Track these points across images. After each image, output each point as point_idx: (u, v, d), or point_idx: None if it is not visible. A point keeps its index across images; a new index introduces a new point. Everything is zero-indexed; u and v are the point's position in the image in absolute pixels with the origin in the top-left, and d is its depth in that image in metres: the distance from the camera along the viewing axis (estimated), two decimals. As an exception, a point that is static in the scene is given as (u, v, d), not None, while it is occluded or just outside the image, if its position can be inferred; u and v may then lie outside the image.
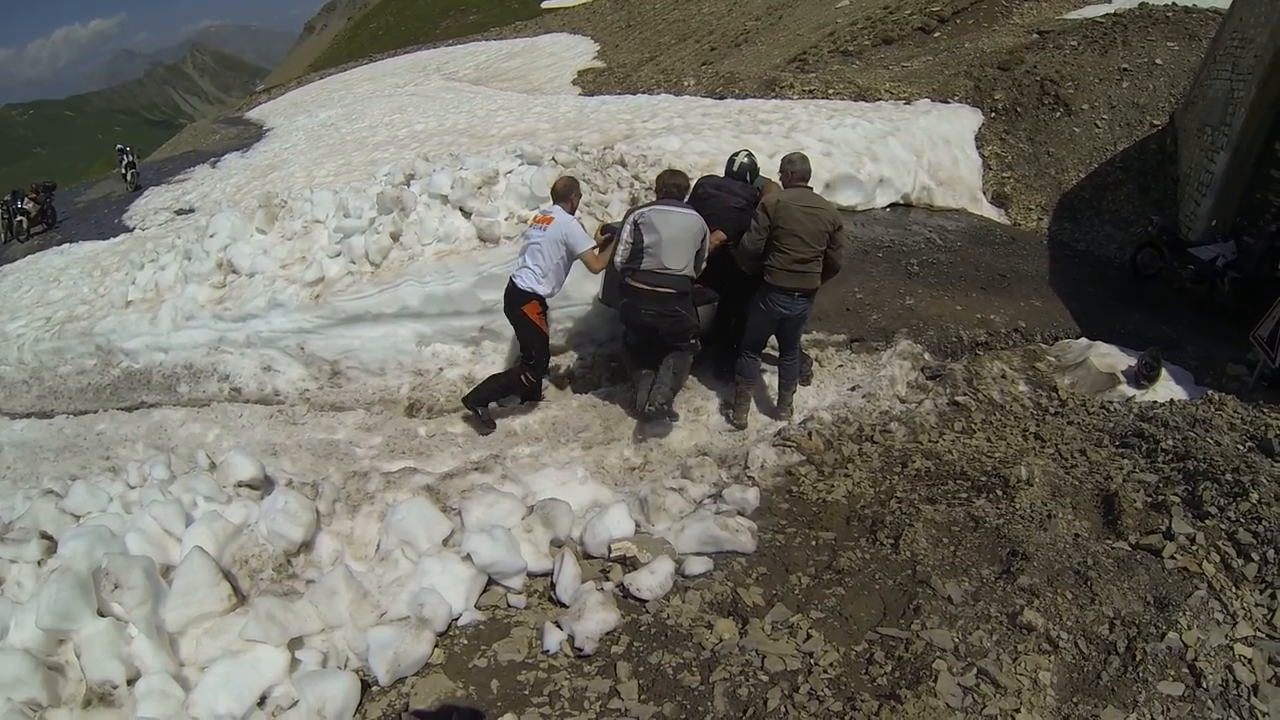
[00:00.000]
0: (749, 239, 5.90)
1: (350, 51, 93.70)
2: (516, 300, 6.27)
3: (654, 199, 6.38)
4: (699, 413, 6.54)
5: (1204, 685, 2.90)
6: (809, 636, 3.47)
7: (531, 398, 6.85)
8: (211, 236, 9.12)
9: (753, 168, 6.91)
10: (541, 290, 6.25)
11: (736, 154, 7.01)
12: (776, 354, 6.54)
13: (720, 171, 7.18)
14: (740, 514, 4.61)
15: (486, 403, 6.66)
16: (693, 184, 6.61)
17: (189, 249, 9.37)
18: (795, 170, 5.99)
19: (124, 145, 25.89)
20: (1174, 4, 14.51)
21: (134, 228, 17.79)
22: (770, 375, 6.64)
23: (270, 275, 8.27)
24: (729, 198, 6.45)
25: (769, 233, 5.78)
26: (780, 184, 6.34)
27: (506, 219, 7.70)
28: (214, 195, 18.64)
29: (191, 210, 18.02)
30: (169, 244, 10.40)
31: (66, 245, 16.72)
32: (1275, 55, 8.57)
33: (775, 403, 6.47)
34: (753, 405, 6.43)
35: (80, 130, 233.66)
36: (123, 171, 24.78)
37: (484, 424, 6.63)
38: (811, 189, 6.06)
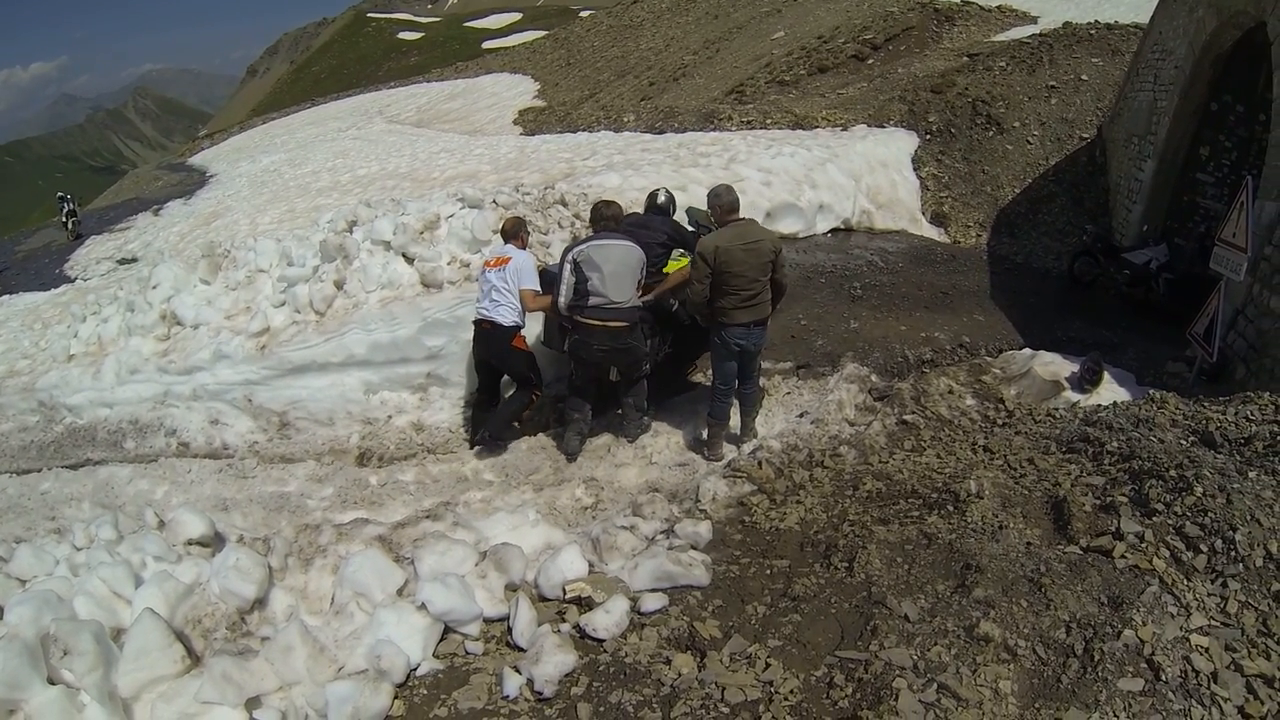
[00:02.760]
0: (694, 291, 5.80)
1: (293, 95, 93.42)
2: (504, 337, 6.34)
3: (591, 232, 6.48)
4: (647, 449, 6.55)
5: (1163, 678, 2.92)
6: (768, 665, 3.46)
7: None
8: (154, 288, 9.00)
9: (672, 203, 7.16)
10: (521, 322, 6.41)
11: (656, 190, 7.24)
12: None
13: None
14: (693, 548, 4.60)
15: (502, 435, 6.74)
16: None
17: (132, 301, 9.23)
18: (723, 204, 5.85)
19: (65, 193, 25.53)
20: (1096, 22, 15.10)
21: (76, 278, 17.56)
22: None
23: (215, 326, 8.17)
24: (651, 234, 6.60)
25: (711, 278, 5.71)
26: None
27: (449, 264, 7.72)
28: (157, 244, 18.44)
29: (134, 260, 17.77)
30: (111, 295, 10.25)
31: (6, 296, 16.41)
32: (1194, 65, 8.93)
33: (738, 430, 6.54)
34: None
35: (20, 177, 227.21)
36: (64, 220, 24.41)
37: (494, 444, 6.71)
38: (745, 219, 5.94)
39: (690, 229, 7.43)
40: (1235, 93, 8.76)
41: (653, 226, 6.72)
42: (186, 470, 7.43)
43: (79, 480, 7.83)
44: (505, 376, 6.86)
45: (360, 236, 8.14)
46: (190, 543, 4.76)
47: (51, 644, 3.51)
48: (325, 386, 7.51)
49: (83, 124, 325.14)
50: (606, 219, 6.27)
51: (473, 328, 6.59)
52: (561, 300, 6.08)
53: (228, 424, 7.75)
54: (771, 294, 6.00)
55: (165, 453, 7.81)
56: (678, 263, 7.10)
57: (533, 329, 7.18)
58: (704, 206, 6.92)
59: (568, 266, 6.02)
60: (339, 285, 7.80)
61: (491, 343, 6.38)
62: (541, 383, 6.69)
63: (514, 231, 6.57)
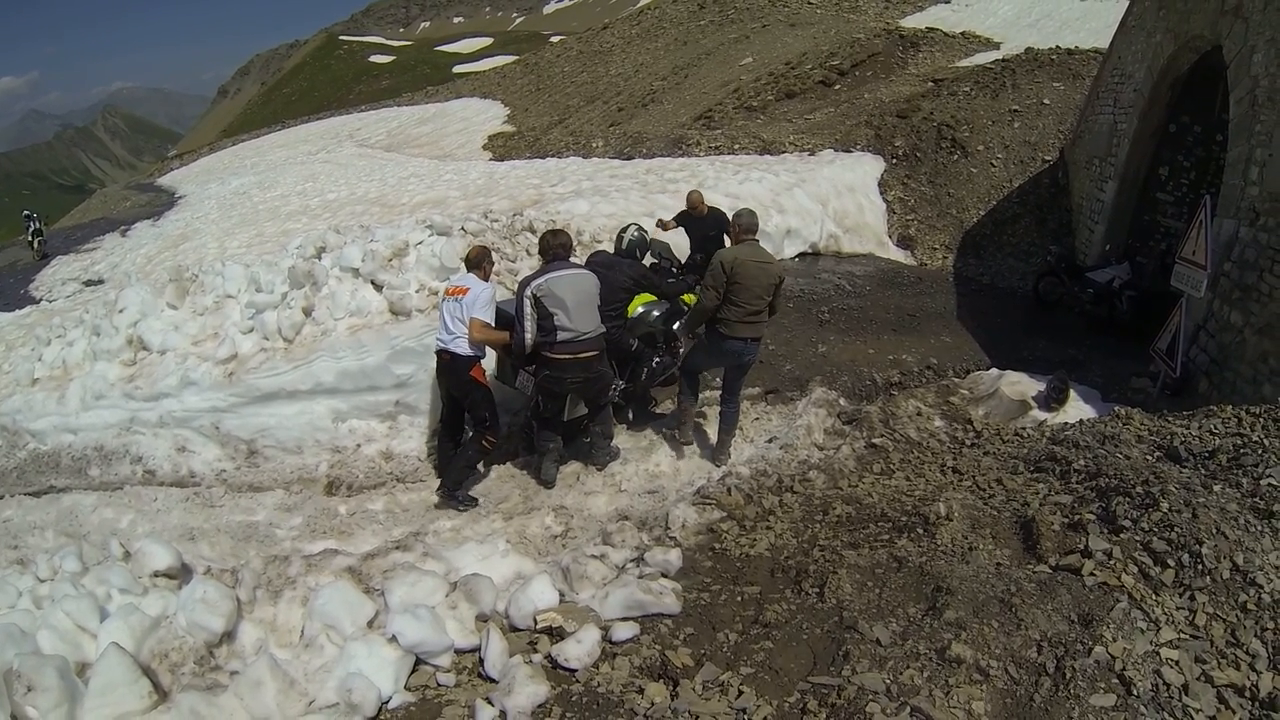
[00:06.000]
0: (707, 296, 6.06)
1: (264, 117, 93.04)
2: (462, 367, 6.21)
3: (542, 263, 6.37)
4: (616, 477, 6.55)
5: (1135, 693, 2.92)
6: (740, 693, 3.45)
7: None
8: (121, 311, 8.84)
9: (642, 243, 7.08)
10: (479, 353, 6.26)
11: (625, 229, 7.15)
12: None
13: None
14: (664, 576, 4.60)
15: (461, 485, 6.51)
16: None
17: (98, 324, 9.07)
18: (743, 224, 6.24)
19: (30, 211, 25.14)
20: (1057, 47, 15.49)
21: (41, 299, 17.31)
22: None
23: (182, 352, 8.04)
24: (616, 277, 6.54)
25: (725, 288, 5.99)
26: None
27: (417, 291, 7.67)
28: (124, 266, 18.23)
29: (101, 281, 17.54)
30: (77, 318, 10.05)
31: (-32, 317, 15.95)
32: (1153, 88, 9.16)
33: (714, 447, 6.65)
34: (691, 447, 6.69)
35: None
36: (29, 239, 24.05)
37: (467, 502, 6.45)
38: (758, 242, 6.29)
39: (653, 261, 7.45)
40: (1193, 114, 9.01)
41: (619, 269, 6.65)
42: (152, 498, 7.30)
43: (42, 508, 7.66)
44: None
45: (329, 263, 8.08)
46: (157, 574, 4.67)
47: (15, 680, 3.43)
48: (293, 414, 7.43)
49: (51, 141, 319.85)
50: (557, 248, 6.19)
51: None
52: (528, 338, 6.01)
53: (195, 451, 7.63)
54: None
55: (131, 480, 7.66)
56: (641, 297, 7.12)
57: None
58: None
59: (528, 302, 5.94)
60: (307, 312, 7.73)
61: (451, 373, 6.28)
62: (497, 429, 6.48)
63: (477, 261, 6.41)
